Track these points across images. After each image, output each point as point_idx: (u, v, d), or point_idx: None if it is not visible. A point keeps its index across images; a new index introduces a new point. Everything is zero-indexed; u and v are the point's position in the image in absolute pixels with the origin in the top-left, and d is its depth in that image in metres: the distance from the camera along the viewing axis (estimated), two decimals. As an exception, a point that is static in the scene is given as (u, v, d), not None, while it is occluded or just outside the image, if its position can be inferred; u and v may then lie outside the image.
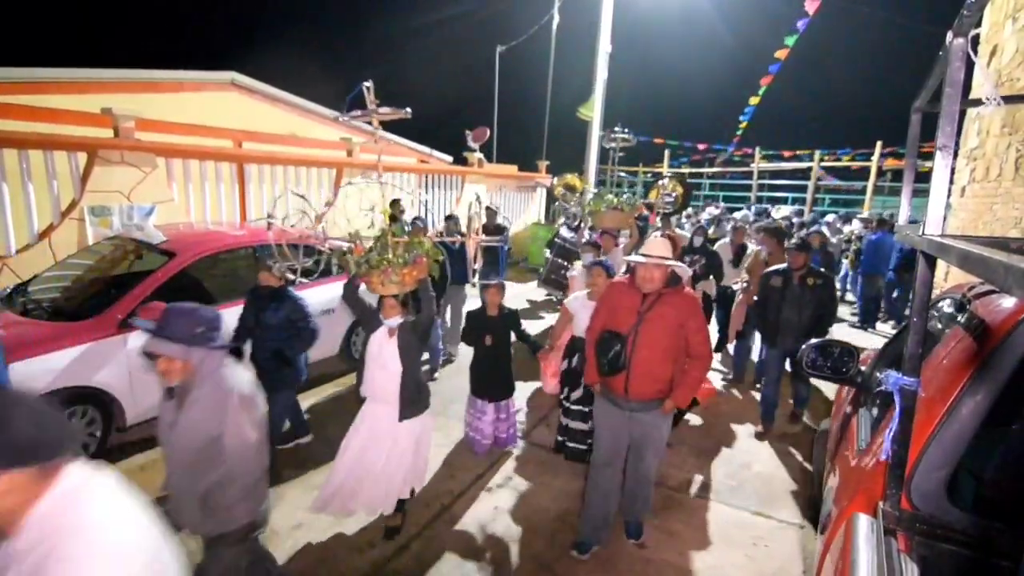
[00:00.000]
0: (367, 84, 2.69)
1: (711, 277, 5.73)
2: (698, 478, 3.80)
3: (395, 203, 7.65)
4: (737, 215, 12.77)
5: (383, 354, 2.93)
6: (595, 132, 11.22)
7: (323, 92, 13.05)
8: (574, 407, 3.85)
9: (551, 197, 6.39)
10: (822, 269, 4.61)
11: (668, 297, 2.76)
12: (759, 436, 4.46)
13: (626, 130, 7.32)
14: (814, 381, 4.73)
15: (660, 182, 6.35)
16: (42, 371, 3.29)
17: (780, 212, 15.40)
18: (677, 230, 9.51)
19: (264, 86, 11.51)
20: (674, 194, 7.00)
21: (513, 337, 3.98)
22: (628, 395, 2.79)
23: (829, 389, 5.31)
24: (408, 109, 2.87)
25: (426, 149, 13.81)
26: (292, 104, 12.12)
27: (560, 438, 3.99)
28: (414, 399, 2.97)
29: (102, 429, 3.64)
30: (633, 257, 2.85)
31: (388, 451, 2.93)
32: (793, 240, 4.53)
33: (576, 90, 11.45)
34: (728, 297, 6.06)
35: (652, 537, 3.14)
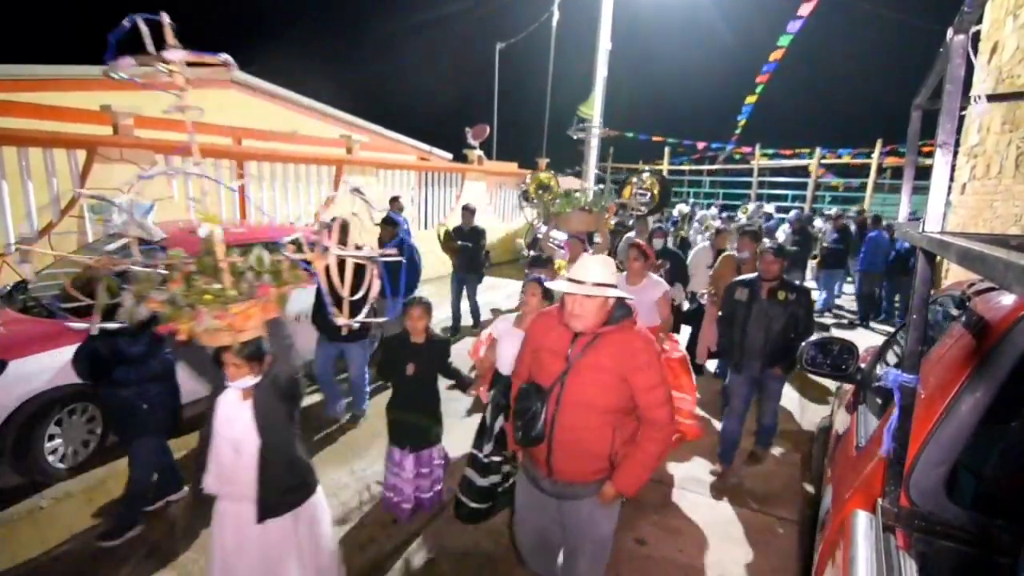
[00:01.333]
0: (143, 17, 1.72)
1: (676, 283, 5.18)
2: (698, 475, 3.81)
3: (394, 200, 7.65)
4: (706, 212, 12.16)
5: (234, 429, 2.03)
6: (595, 130, 11.20)
7: (322, 89, 13.03)
8: (485, 458, 3.00)
9: (526, 198, 5.77)
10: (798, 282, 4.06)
11: (609, 338, 1.98)
12: (718, 476, 3.78)
13: (599, 121, 6.29)
14: (814, 377, 4.68)
15: (634, 179, 5.73)
16: (42, 369, 3.29)
17: (748, 210, 15.01)
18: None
19: (263, 83, 11.49)
20: (649, 193, 6.13)
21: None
22: (552, 474, 2.05)
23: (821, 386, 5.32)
24: (227, 57, 1.92)
25: (426, 146, 13.80)
26: (291, 101, 12.11)
27: (459, 495, 3.04)
28: (287, 487, 2.11)
29: (102, 427, 3.65)
30: (557, 283, 2.12)
31: (269, 566, 2.10)
32: (767, 244, 3.86)
33: (576, 87, 11.42)
34: (698, 309, 5.50)
35: (652, 534, 3.14)
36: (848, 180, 18.89)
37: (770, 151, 19.73)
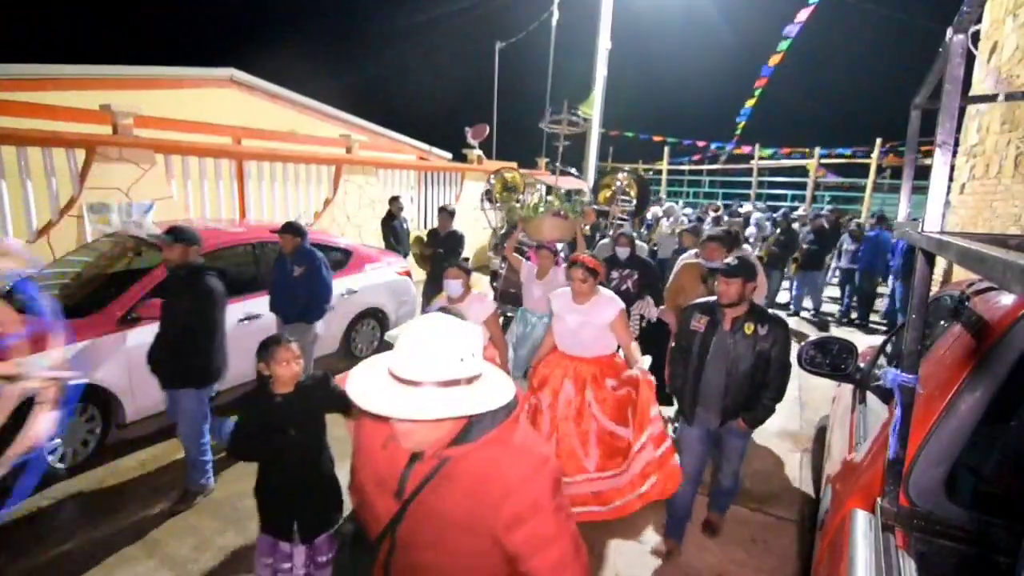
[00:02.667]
0: None
1: (648, 297, 4.46)
2: None
3: (394, 200, 7.65)
4: (675, 207, 11.43)
5: None
6: (595, 130, 11.22)
7: (322, 89, 13.03)
8: None
9: (490, 199, 5.14)
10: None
11: (465, 463, 1.12)
12: (664, 557, 2.97)
13: (575, 111, 5.36)
14: (810, 376, 4.65)
15: (612, 181, 4.93)
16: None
17: (746, 207, 14.39)
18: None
19: (263, 83, 11.49)
20: (629, 197, 5.50)
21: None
22: None
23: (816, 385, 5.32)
24: None
25: (425, 146, 13.79)
26: (291, 101, 12.11)
27: None
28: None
29: (101, 426, 3.65)
30: (363, 383, 1.07)
31: None
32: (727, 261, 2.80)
33: (576, 87, 11.42)
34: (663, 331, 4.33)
35: (650, 533, 3.15)
36: (847, 180, 18.91)
37: (769, 151, 19.75)
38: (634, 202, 5.57)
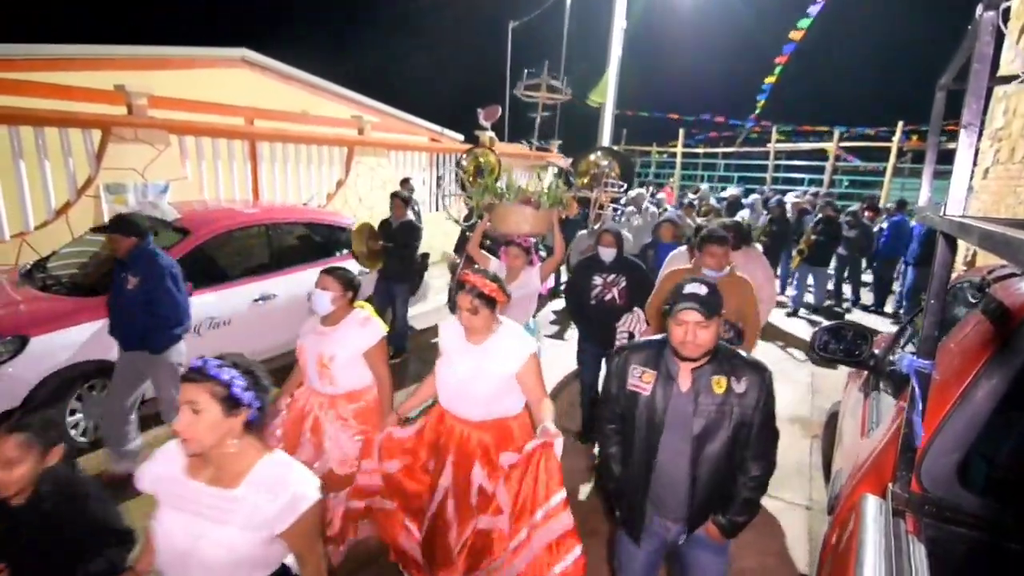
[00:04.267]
0: None
1: (639, 310, 3.64)
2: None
3: (405, 182, 7.64)
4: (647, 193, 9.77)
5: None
6: (609, 111, 11.07)
7: (334, 69, 12.96)
8: None
9: (462, 186, 3.95)
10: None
11: None
12: None
13: (557, 77, 4.33)
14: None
15: (593, 158, 3.96)
16: (62, 345, 3.36)
17: (729, 191, 13.05)
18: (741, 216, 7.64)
19: (275, 63, 11.45)
20: (616, 181, 4.21)
21: None
22: None
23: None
24: None
25: (437, 127, 13.71)
26: (303, 81, 12.06)
27: None
28: None
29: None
30: None
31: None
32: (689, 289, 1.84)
33: (590, 67, 11.25)
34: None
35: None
36: (867, 164, 18.52)
37: (788, 128, 19.35)
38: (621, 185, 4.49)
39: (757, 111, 19.18)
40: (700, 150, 22.12)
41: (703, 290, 1.73)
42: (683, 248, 4.21)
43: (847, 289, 8.63)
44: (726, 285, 2.72)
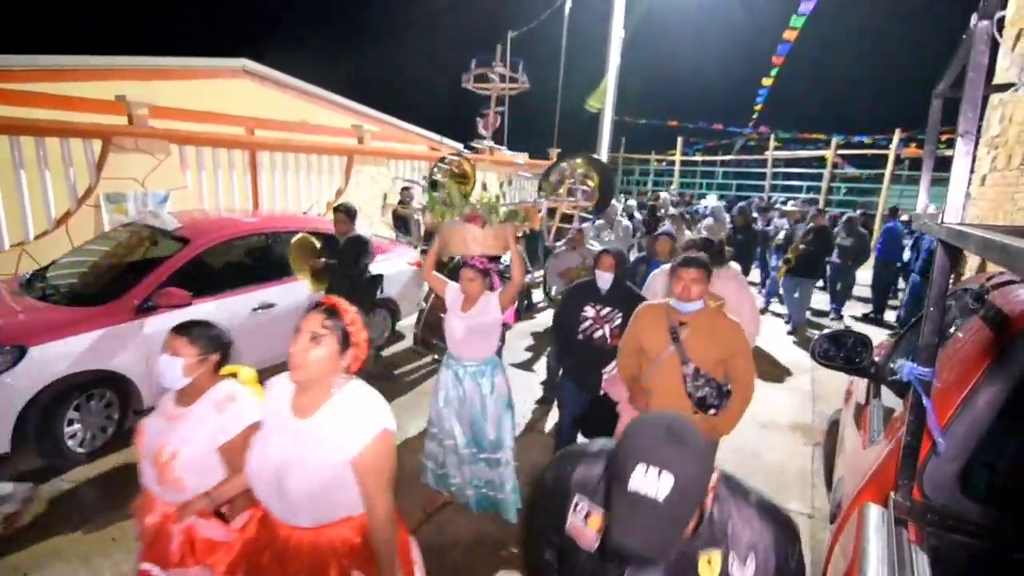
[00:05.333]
0: None
1: None
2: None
3: (405, 190, 7.65)
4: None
5: None
6: (607, 118, 11.13)
7: (334, 79, 13.03)
8: None
9: (434, 187, 3.40)
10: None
11: None
12: None
13: (517, 60, 3.56)
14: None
15: (560, 167, 3.42)
16: (61, 355, 3.35)
17: (709, 200, 13.05)
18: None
19: (275, 73, 11.53)
20: (587, 188, 3.63)
21: None
22: None
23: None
24: None
25: (436, 136, 13.76)
26: (303, 91, 12.14)
27: None
28: None
29: (119, 412, 3.72)
30: None
31: None
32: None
33: (588, 76, 11.33)
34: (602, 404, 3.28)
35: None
36: (865, 171, 18.58)
37: (786, 135, 19.43)
38: (596, 195, 3.74)
39: (755, 116, 19.26)
40: (699, 158, 22.20)
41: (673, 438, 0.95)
42: (666, 267, 3.48)
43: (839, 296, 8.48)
44: (704, 325, 2.40)
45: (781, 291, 7.82)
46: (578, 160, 3.49)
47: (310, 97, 12.29)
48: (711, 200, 13.42)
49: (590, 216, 3.10)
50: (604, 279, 3.08)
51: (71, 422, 3.47)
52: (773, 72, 16.68)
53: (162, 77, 9.47)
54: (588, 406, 3.19)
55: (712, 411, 2.43)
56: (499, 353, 3.25)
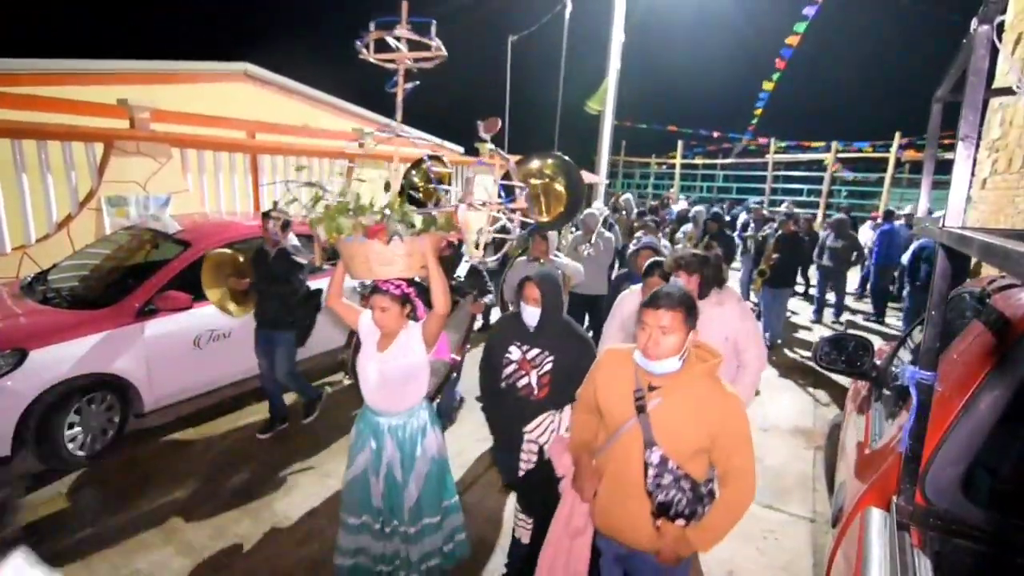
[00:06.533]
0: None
1: (567, 407, 2.50)
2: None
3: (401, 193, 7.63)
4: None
5: None
6: (608, 122, 11.15)
7: (334, 82, 13.06)
8: None
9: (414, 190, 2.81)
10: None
11: None
12: None
13: (427, 23, 2.14)
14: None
15: (534, 167, 2.79)
16: (62, 358, 3.35)
17: (683, 202, 12.71)
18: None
19: (277, 77, 11.55)
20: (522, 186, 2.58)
21: None
22: None
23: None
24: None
25: (437, 139, 13.79)
26: (304, 94, 12.16)
27: None
28: None
29: (120, 415, 3.72)
30: None
31: None
32: None
33: (589, 80, 11.35)
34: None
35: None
36: (865, 174, 18.59)
37: (785, 144, 19.48)
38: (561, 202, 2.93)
39: (754, 121, 19.28)
40: (699, 161, 22.23)
41: None
42: (636, 288, 3.04)
43: (832, 298, 8.26)
44: (683, 394, 1.72)
45: (755, 301, 7.36)
46: (550, 161, 2.94)
47: (311, 101, 12.31)
48: (684, 203, 13.05)
49: (531, 222, 2.37)
50: (529, 314, 2.42)
51: (71, 425, 3.47)
52: (775, 76, 16.71)
53: (164, 81, 9.49)
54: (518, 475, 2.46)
55: (681, 521, 1.75)
56: (450, 396, 3.05)
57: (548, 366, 2.39)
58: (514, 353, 2.46)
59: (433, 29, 2.32)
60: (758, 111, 18.79)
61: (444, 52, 2.43)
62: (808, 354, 5.97)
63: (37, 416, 3.27)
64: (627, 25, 10.96)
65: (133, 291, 3.77)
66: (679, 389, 1.72)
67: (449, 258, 3.61)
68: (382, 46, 2.33)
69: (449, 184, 2.83)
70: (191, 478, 3.46)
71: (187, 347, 3.94)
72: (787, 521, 3.28)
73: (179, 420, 4.12)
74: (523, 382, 2.42)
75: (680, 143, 21.63)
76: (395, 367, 2.32)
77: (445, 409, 4.15)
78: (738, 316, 2.72)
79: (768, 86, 17.41)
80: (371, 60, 2.38)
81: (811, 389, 5.35)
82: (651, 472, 1.72)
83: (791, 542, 3.10)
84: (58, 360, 3.34)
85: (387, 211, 2.11)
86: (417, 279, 2.52)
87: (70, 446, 3.45)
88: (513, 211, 2.36)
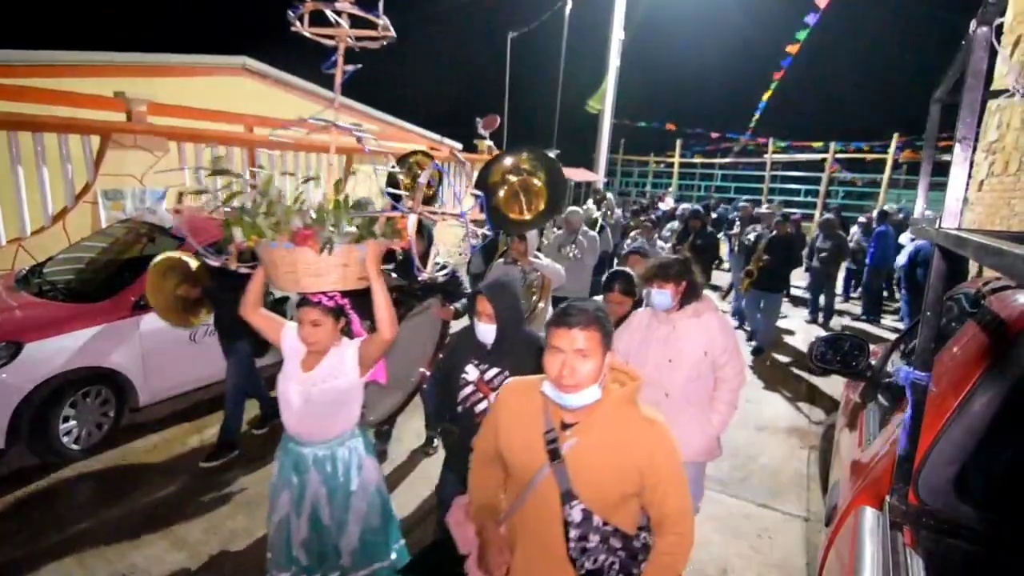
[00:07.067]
0: None
1: None
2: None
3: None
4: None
5: None
6: (607, 120, 11.15)
7: (333, 78, 13.00)
8: None
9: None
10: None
11: None
12: None
13: (377, 5, 1.70)
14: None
15: (508, 163, 2.79)
16: (57, 351, 3.34)
17: (670, 201, 12.64)
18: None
19: (275, 71, 11.50)
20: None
21: None
22: None
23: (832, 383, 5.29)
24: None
25: (436, 136, 13.76)
26: (302, 89, 12.11)
27: None
28: None
29: (115, 409, 3.71)
30: None
31: None
32: None
33: (588, 78, 11.35)
34: None
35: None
36: (862, 175, 18.65)
37: (783, 143, 19.53)
38: (541, 201, 2.86)
39: (753, 124, 19.34)
40: (697, 160, 22.26)
41: None
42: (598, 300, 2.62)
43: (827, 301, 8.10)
44: (603, 430, 1.42)
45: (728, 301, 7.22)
46: (525, 155, 2.67)
47: (310, 95, 12.27)
48: (671, 201, 12.92)
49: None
50: (483, 331, 2.15)
51: (67, 419, 3.45)
52: (772, 85, 16.78)
53: (161, 74, 9.44)
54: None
55: None
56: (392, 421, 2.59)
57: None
58: (471, 373, 2.22)
59: (380, 5, 2.04)
60: (756, 117, 18.86)
61: (392, 32, 2.16)
62: (803, 353, 6.00)
63: (32, 409, 3.26)
64: (627, 23, 10.96)
65: (129, 285, 3.76)
66: (597, 424, 1.41)
67: (402, 263, 3.14)
68: (321, 20, 2.05)
69: (440, 183, 2.62)
70: (186, 473, 3.45)
71: (183, 342, 3.93)
72: (781, 520, 3.30)
73: (174, 415, 4.11)
74: (482, 406, 2.17)
75: (679, 142, 21.67)
76: (323, 390, 2.01)
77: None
78: (717, 329, 2.52)
79: (766, 96, 17.49)
80: (305, 35, 2.12)
81: (806, 388, 5.37)
82: (573, 533, 1.43)
83: (785, 540, 3.12)
84: (53, 353, 3.32)
85: (313, 213, 1.79)
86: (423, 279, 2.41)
87: (65, 440, 3.44)
88: (474, 222, 2.07)
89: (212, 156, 6.35)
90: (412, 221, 1.87)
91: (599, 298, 2.80)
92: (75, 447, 3.50)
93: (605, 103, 11.03)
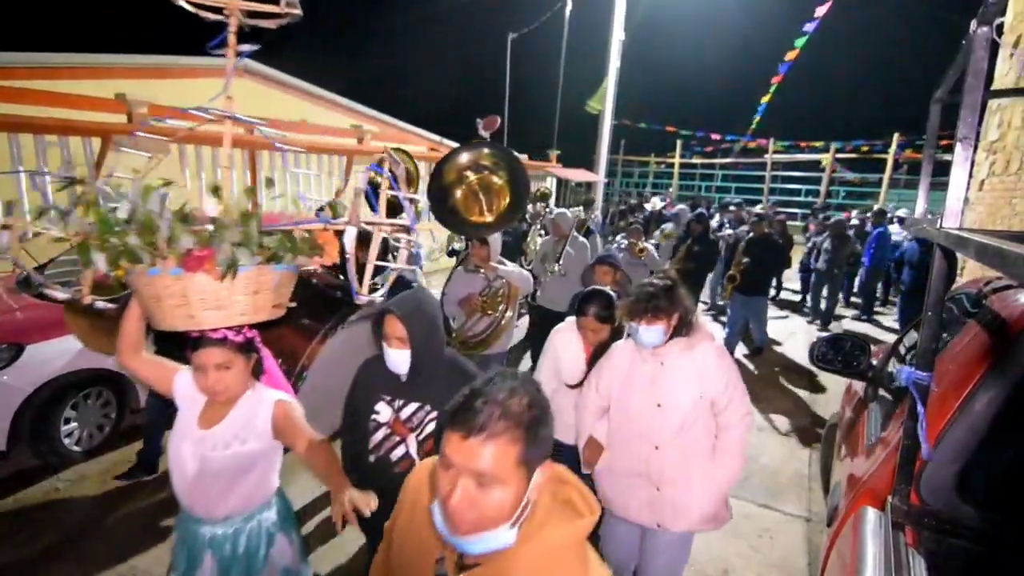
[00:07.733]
0: None
1: None
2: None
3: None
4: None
5: None
6: (607, 121, 11.15)
7: (333, 78, 13.05)
8: None
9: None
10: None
11: None
12: None
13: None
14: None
15: (465, 159, 2.58)
16: (59, 353, 3.34)
17: (657, 200, 12.47)
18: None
19: (276, 72, 11.53)
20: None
21: None
22: None
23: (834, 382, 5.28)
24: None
25: (436, 137, 13.77)
26: (302, 90, 12.15)
27: None
28: None
29: (116, 411, 3.71)
30: None
31: None
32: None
33: (588, 79, 11.35)
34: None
35: (658, 527, 3.15)
36: (862, 175, 18.65)
37: (784, 143, 19.54)
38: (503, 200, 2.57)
39: (753, 126, 19.35)
40: (697, 161, 22.26)
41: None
42: (570, 322, 2.49)
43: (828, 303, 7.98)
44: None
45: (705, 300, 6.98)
46: (485, 150, 2.40)
47: (309, 96, 12.28)
48: (658, 202, 12.47)
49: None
50: (395, 359, 1.71)
51: (68, 421, 3.46)
52: (772, 89, 16.80)
53: (162, 76, 9.46)
54: None
55: None
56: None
57: (431, 426, 1.72)
58: (383, 413, 1.77)
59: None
60: (756, 119, 18.88)
61: (298, 10, 1.85)
62: (803, 354, 6.00)
63: (33, 411, 3.26)
64: (627, 24, 10.96)
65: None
66: (502, 568, 0.89)
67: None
68: None
69: (418, 182, 2.27)
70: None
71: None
72: (782, 520, 3.30)
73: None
74: (399, 452, 1.75)
75: (679, 143, 21.67)
76: (225, 456, 1.59)
77: None
78: (715, 364, 2.03)
79: (765, 99, 17.52)
80: (183, 5, 1.79)
81: (806, 389, 5.36)
82: None
83: (785, 541, 3.11)
84: (55, 355, 3.33)
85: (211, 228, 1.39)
86: (417, 277, 2.25)
87: (66, 441, 3.45)
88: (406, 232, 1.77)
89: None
90: (350, 234, 1.64)
91: (573, 319, 2.44)
92: (76, 448, 3.51)
93: (605, 104, 11.01)
